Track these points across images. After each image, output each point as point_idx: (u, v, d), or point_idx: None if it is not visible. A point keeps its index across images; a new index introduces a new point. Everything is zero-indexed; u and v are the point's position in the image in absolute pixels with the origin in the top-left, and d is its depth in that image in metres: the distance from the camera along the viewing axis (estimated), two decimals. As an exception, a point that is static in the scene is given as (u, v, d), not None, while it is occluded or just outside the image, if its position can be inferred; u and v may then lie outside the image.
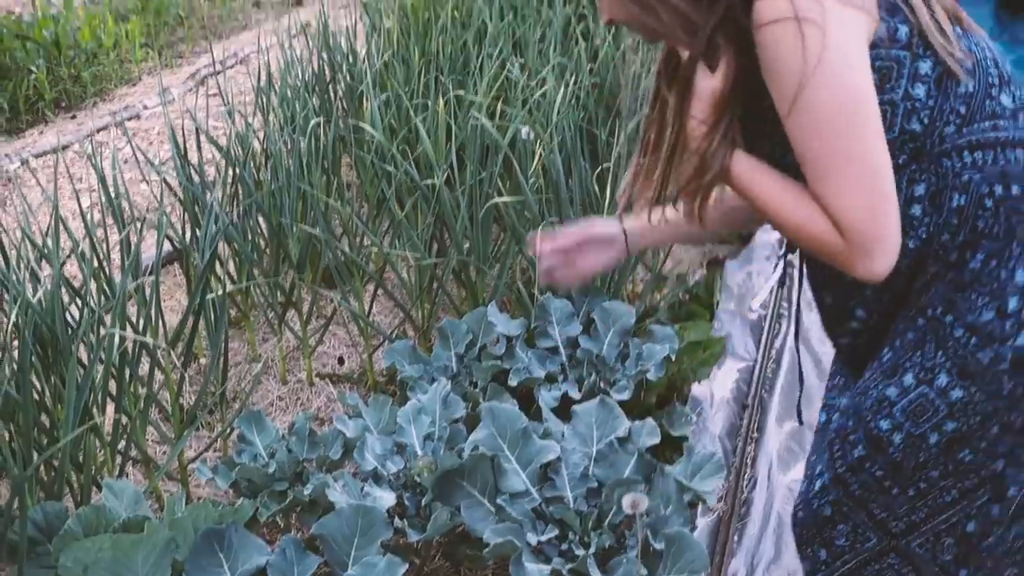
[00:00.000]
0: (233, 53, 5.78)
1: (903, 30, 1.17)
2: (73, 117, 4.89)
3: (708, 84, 1.22)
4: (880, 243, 1.14)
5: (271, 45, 5.89)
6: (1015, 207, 1.22)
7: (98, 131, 4.62)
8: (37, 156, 4.30)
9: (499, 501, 1.79)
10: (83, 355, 1.98)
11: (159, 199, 2.73)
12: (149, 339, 2.01)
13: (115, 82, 5.34)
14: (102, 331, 1.96)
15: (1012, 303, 1.22)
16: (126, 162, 4.15)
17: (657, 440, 1.94)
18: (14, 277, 2.08)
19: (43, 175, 4.15)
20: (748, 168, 1.24)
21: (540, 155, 2.58)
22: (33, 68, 4.83)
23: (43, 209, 3.67)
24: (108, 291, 2.29)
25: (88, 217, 2.54)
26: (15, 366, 1.80)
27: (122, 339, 1.89)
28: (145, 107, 4.92)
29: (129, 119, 4.80)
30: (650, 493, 1.82)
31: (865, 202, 1.14)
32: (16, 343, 1.94)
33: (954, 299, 1.24)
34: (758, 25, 1.15)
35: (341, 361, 2.87)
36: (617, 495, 1.72)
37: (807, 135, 1.15)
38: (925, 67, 1.18)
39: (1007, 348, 1.23)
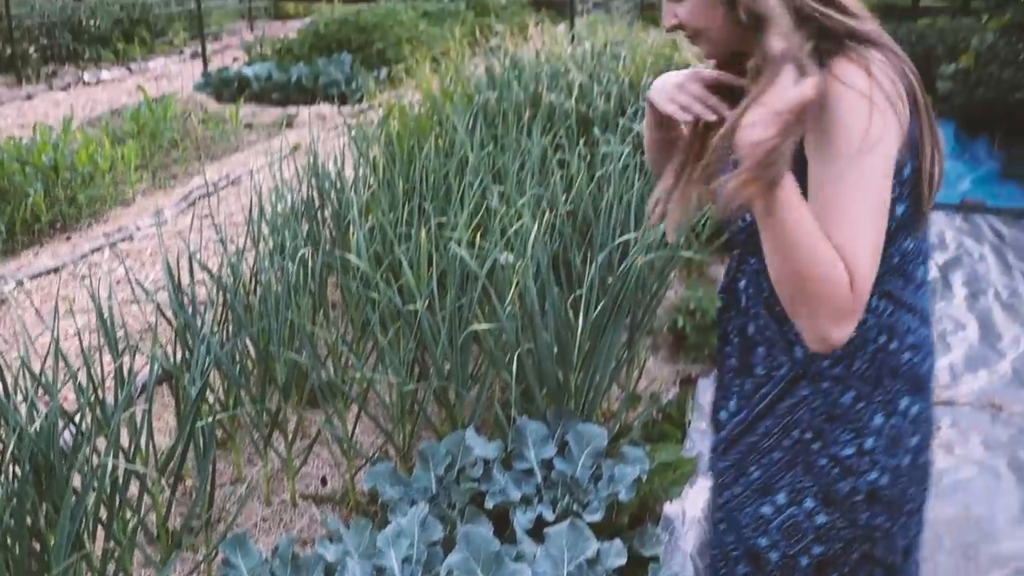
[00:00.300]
0: (225, 175, 6.01)
1: (908, 168, 1.27)
2: (68, 238, 5.05)
3: (786, 93, 1.16)
4: (860, 311, 1.21)
5: (261, 167, 6.15)
6: (887, 360, 1.34)
7: (92, 252, 4.78)
8: (32, 278, 4.44)
9: (473, 624, 1.87)
10: (76, 480, 2.06)
11: (153, 325, 2.86)
12: (140, 467, 2.09)
13: (110, 203, 5.53)
14: (95, 459, 2.05)
15: (869, 443, 1.35)
16: (119, 283, 4.29)
17: (624, 561, 2.03)
18: (12, 405, 2.18)
19: (38, 296, 4.28)
20: (793, 192, 1.21)
21: (516, 282, 2.73)
22: (31, 191, 5.01)
23: (37, 330, 3.78)
24: (101, 415, 2.39)
25: (83, 341, 2.66)
26: (11, 494, 1.88)
27: (114, 467, 1.98)
28: (138, 228, 5.09)
29: (122, 240, 4.96)
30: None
31: (869, 269, 1.20)
32: (11, 470, 2.02)
33: (823, 428, 1.37)
34: (835, 77, 1.21)
35: (324, 482, 2.95)
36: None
37: (843, 194, 1.21)
38: (899, 209, 1.29)
39: (863, 482, 1.36)
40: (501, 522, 2.30)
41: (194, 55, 11.21)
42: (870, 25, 1.29)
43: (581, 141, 3.93)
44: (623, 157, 3.63)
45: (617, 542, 2.08)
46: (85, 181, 5.41)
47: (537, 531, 2.25)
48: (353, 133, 4.29)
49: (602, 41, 5.81)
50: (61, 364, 2.44)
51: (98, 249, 4.81)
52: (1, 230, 4.84)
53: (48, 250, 4.85)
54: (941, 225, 5.35)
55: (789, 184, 1.20)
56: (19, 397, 2.26)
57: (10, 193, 5.01)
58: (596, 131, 4.13)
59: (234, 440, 2.93)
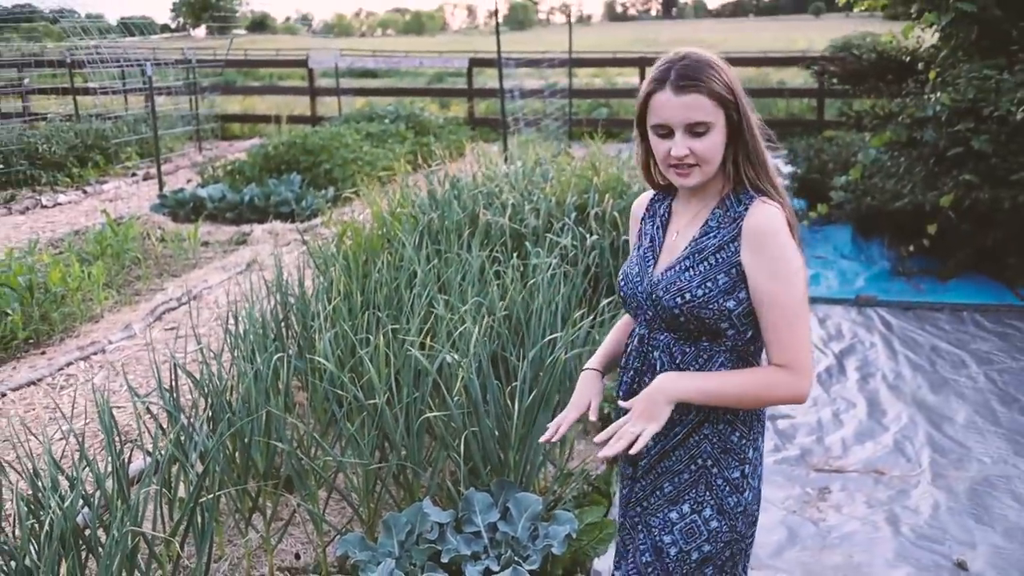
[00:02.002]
0: (188, 290, 6.45)
1: None
2: (43, 353, 5.43)
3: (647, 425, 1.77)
4: (811, 380, 1.80)
5: (221, 282, 6.63)
6: (755, 410, 1.90)
7: (68, 365, 5.16)
8: (14, 390, 4.80)
9: (436, 649, 2.31)
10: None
11: (139, 425, 3.29)
12: (160, 533, 2.52)
13: (80, 320, 5.92)
14: (115, 532, 2.47)
15: (747, 469, 1.90)
16: (96, 391, 4.68)
17: (557, 597, 2.50)
18: (41, 496, 2.59)
19: (20, 406, 4.64)
20: (703, 387, 1.79)
21: (462, 378, 3.23)
22: (10, 311, 5.40)
23: (23, 435, 4.14)
24: (116, 496, 2.80)
25: (79, 440, 3.07)
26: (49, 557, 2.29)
27: (135, 535, 2.40)
28: (110, 342, 5.49)
29: (95, 354, 5.36)
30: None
31: (811, 359, 1.79)
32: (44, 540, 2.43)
33: (719, 458, 1.88)
34: (765, 224, 1.78)
35: (298, 556, 3.36)
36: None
37: (787, 310, 1.76)
38: None
39: (743, 499, 1.90)
40: (455, 574, 2.75)
41: (146, 177, 11.72)
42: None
43: (514, 254, 4.51)
44: (551, 268, 4.20)
45: (550, 582, 2.55)
46: (57, 300, 5.81)
47: (485, 581, 2.71)
48: (310, 251, 4.81)
49: (533, 160, 6.48)
50: (66, 459, 2.86)
51: (72, 363, 5.19)
52: (-18, 347, 5.21)
53: (26, 364, 5.22)
54: (839, 318, 6.02)
55: (694, 388, 1.78)
56: (45, 484, 2.68)
57: (-12, 313, 5.40)
58: (528, 245, 4.71)
59: (217, 522, 3.33)
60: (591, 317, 3.88)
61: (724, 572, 1.94)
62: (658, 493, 1.94)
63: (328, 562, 3.21)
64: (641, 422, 1.76)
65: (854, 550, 3.41)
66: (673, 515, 1.91)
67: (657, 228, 1.99)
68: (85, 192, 10.66)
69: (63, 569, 2.24)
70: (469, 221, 5.05)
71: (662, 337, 1.90)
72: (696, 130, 1.78)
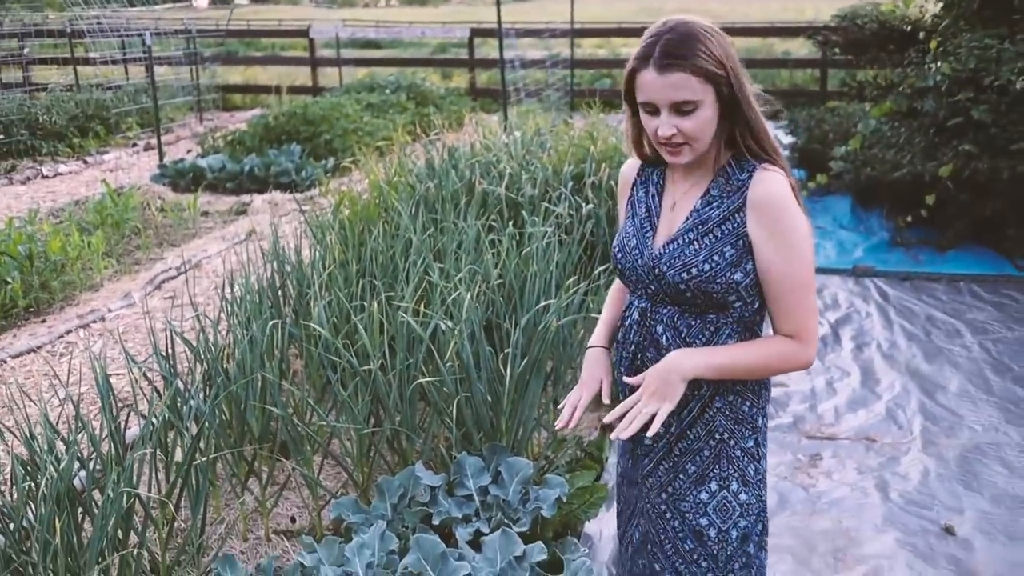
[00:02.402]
0: (187, 259, 6.47)
1: None
2: (43, 321, 5.46)
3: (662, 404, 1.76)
4: (815, 348, 1.80)
5: (220, 251, 6.65)
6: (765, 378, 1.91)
7: (67, 333, 5.19)
8: (14, 357, 4.84)
9: (425, 607, 2.35)
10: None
11: (143, 390, 3.33)
12: (154, 494, 2.56)
13: (80, 288, 5.95)
14: (110, 492, 2.51)
15: (760, 437, 1.92)
16: (93, 358, 4.72)
17: (545, 556, 2.54)
18: (37, 459, 2.63)
19: (20, 372, 4.68)
20: (716, 360, 1.78)
21: (454, 344, 3.26)
22: (9, 280, 5.43)
23: (24, 400, 4.18)
24: (113, 457, 2.84)
25: (79, 406, 3.11)
26: (48, 515, 2.33)
27: (129, 495, 2.44)
28: (109, 310, 5.52)
29: (94, 322, 5.39)
30: (540, 597, 2.40)
31: (816, 327, 1.79)
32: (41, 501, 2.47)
33: (733, 429, 1.87)
34: (773, 193, 1.74)
35: (293, 520, 3.41)
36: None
37: (794, 280, 1.75)
38: None
39: (761, 465, 1.93)
40: (446, 537, 2.79)
41: (147, 147, 11.70)
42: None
43: (511, 223, 4.52)
44: (546, 236, 4.22)
45: (539, 543, 2.59)
46: (57, 269, 5.84)
47: (476, 543, 2.75)
48: (307, 220, 4.83)
49: (532, 131, 6.47)
50: (63, 424, 2.90)
51: (72, 330, 5.23)
52: (-18, 315, 5.25)
53: (26, 332, 5.26)
54: (836, 288, 6.03)
55: (705, 364, 1.77)
56: (42, 447, 2.72)
57: (-12, 282, 5.43)
58: (524, 214, 4.72)
59: (214, 486, 3.38)
60: (585, 283, 3.90)
61: (761, 547, 1.95)
62: (682, 476, 1.91)
63: (323, 525, 3.26)
64: (655, 401, 1.73)
65: (843, 515, 3.45)
66: (703, 495, 1.90)
67: (652, 196, 1.93)
68: (86, 162, 10.66)
69: (58, 528, 2.28)
70: (466, 190, 5.06)
71: (665, 311, 1.86)
72: (683, 109, 1.71)
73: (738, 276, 1.76)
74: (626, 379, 1.87)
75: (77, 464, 2.72)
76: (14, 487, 2.61)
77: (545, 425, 3.62)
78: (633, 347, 1.91)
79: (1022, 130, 5.93)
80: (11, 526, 2.51)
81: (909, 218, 6.60)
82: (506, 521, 2.84)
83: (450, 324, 3.35)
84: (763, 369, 1.82)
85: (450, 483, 3.03)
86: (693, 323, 1.83)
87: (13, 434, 2.77)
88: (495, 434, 3.24)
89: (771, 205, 1.73)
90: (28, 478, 2.61)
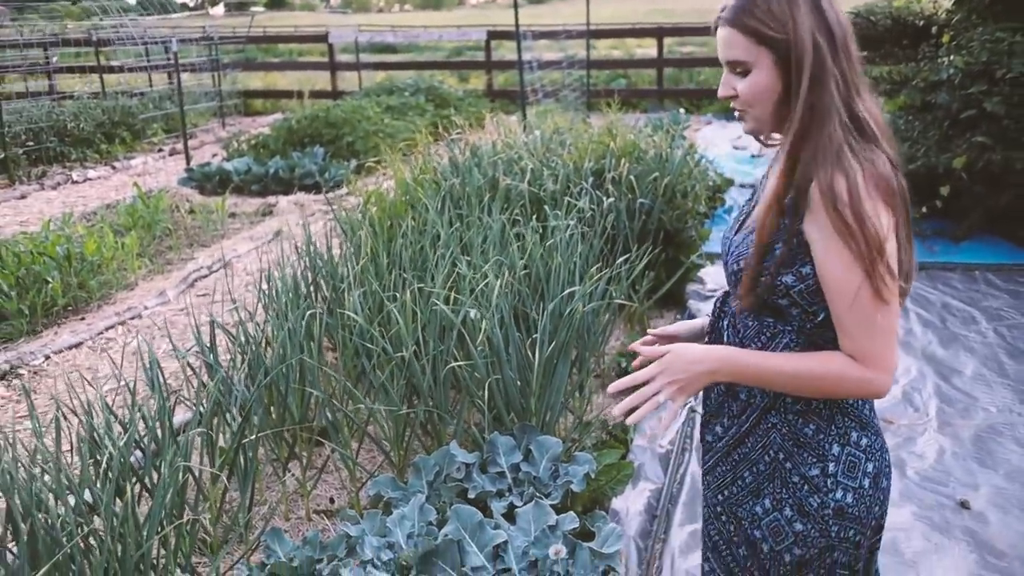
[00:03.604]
0: (218, 259, 6.65)
1: None
2: (82, 319, 5.65)
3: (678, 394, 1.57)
4: (889, 377, 1.54)
5: (249, 251, 6.83)
6: (836, 402, 1.65)
7: (107, 329, 5.38)
8: (57, 352, 5.03)
9: (465, 570, 2.50)
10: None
11: (188, 380, 3.50)
12: (208, 468, 2.72)
13: (116, 287, 6.15)
14: (165, 471, 2.67)
15: (831, 467, 1.64)
16: (133, 354, 4.91)
17: (576, 526, 2.68)
18: (96, 435, 2.80)
19: (65, 367, 4.87)
20: (752, 366, 1.59)
21: (484, 330, 3.41)
22: (49, 279, 5.62)
23: (79, 388, 4.36)
24: (163, 440, 3.01)
25: (124, 395, 3.28)
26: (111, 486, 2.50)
27: (185, 469, 2.60)
28: (146, 308, 5.71)
29: (132, 319, 5.58)
30: (572, 562, 2.54)
31: (893, 356, 1.53)
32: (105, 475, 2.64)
33: (792, 451, 1.66)
34: (831, 188, 1.48)
35: (332, 501, 3.57)
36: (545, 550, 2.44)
37: (846, 294, 1.51)
38: None
39: (830, 499, 1.64)
40: (481, 510, 2.94)
41: (172, 152, 11.94)
42: (882, 137, 1.57)
43: (534, 217, 4.66)
44: (568, 229, 4.36)
45: (571, 513, 2.73)
46: (94, 268, 6.03)
47: (509, 516, 2.90)
48: (337, 217, 4.99)
49: (551, 130, 6.62)
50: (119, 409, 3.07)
51: (112, 327, 5.42)
52: (25, 313, 5.44)
53: (67, 329, 5.45)
54: (852, 279, 6.14)
55: (743, 365, 1.59)
56: (100, 429, 2.89)
57: (29, 281, 5.62)
58: (547, 209, 4.87)
59: (257, 468, 3.54)
60: (608, 271, 4.04)
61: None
62: (740, 482, 1.75)
63: (361, 505, 3.41)
64: (669, 388, 1.57)
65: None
66: (758, 509, 1.73)
67: (756, 189, 1.81)
68: (113, 167, 10.89)
69: (129, 496, 2.44)
70: (489, 187, 5.21)
71: (733, 305, 1.74)
72: (736, 69, 1.60)
73: (788, 279, 1.59)
74: (635, 347, 1.78)
75: (133, 445, 2.89)
76: (76, 464, 2.78)
77: (572, 409, 3.76)
78: (707, 337, 1.85)
79: (1035, 121, 6.03)
80: (73, 501, 2.67)
81: (924, 209, 6.70)
82: (538, 495, 2.98)
83: (480, 312, 3.50)
84: (815, 389, 1.59)
85: (483, 461, 3.18)
86: (750, 324, 1.70)
87: (76, 415, 2.93)
88: (525, 415, 3.39)
89: (828, 203, 1.49)
90: (90, 455, 2.78)
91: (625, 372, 4.37)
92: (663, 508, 3.43)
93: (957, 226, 6.65)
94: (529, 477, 3.10)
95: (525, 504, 2.89)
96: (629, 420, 1.58)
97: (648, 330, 1.75)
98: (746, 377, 1.61)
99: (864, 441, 1.66)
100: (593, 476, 3.12)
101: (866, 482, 1.65)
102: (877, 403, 4.38)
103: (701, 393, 1.76)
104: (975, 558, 3.12)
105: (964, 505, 3.44)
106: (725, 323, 1.76)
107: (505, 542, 2.59)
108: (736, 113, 1.66)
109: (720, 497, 1.79)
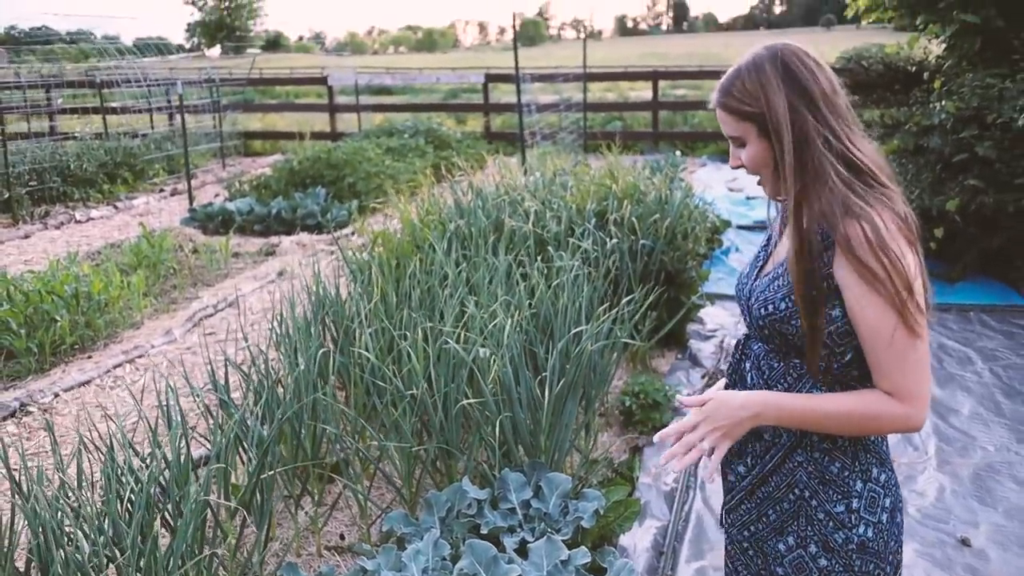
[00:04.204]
0: (223, 298, 6.73)
1: None
2: (90, 357, 5.71)
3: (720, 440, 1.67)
4: (924, 413, 1.61)
5: (253, 290, 6.91)
6: (860, 439, 1.70)
7: (115, 367, 5.43)
8: (66, 390, 5.08)
9: (481, 604, 2.55)
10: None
11: (202, 415, 3.55)
12: (231, 503, 2.77)
13: (122, 326, 6.21)
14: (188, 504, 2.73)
15: (855, 503, 1.70)
16: (142, 391, 4.96)
17: (588, 560, 2.74)
18: (118, 469, 2.86)
19: (74, 405, 4.92)
20: (785, 409, 1.65)
21: (496, 367, 3.48)
22: (58, 318, 5.69)
23: (83, 429, 4.41)
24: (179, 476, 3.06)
25: (134, 429, 3.33)
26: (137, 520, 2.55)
27: (205, 504, 2.66)
28: (152, 346, 5.77)
29: (139, 357, 5.63)
30: (586, 596, 2.60)
31: (926, 392, 1.60)
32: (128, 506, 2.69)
33: (817, 489, 1.71)
34: (855, 234, 1.55)
35: (342, 537, 3.61)
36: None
37: (882, 332, 1.57)
38: None
39: (854, 535, 1.69)
40: (493, 546, 2.99)
41: (173, 192, 12.05)
42: (884, 178, 1.65)
43: (539, 258, 4.76)
44: (573, 269, 4.45)
45: (583, 548, 2.79)
46: (100, 307, 6.10)
47: (521, 552, 2.96)
48: (345, 257, 5.08)
49: (551, 171, 6.75)
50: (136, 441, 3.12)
51: (119, 365, 5.47)
52: (34, 351, 5.50)
53: (75, 367, 5.50)
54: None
55: (783, 408, 1.64)
56: (120, 464, 2.94)
57: (37, 319, 5.69)
58: (551, 249, 4.96)
59: (269, 505, 3.58)
60: (613, 311, 4.12)
61: None
62: (764, 520, 1.81)
63: (372, 541, 3.46)
64: (714, 435, 1.66)
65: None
66: (781, 546, 1.79)
67: (775, 230, 1.87)
68: (116, 207, 10.99)
69: (156, 528, 2.50)
70: (494, 228, 5.31)
71: (756, 347, 1.80)
72: (735, 143, 1.73)
73: (806, 324, 1.64)
74: (681, 399, 1.76)
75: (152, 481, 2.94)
76: (98, 498, 2.83)
77: (578, 448, 3.83)
78: (727, 380, 1.88)
79: (1025, 165, 6.18)
80: (98, 537, 2.72)
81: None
82: (549, 531, 3.04)
83: (490, 351, 3.58)
84: (853, 427, 1.64)
85: (494, 498, 3.23)
86: (776, 365, 1.74)
87: (98, 448, 2.99)
88: (535, 451, 3.45)
89: (848, 251, 1.56)
90: (111, 490, 2.83)
91: (629, 411, 4.44)
92: (669, 545, 3.48)
93: (952, 268, 6.77)
94: (540, 513, 3.15)
95: (537, 540, 2.95)
96: (677, 467, 1.66)
97: (678, 397, 1.80)
98: (788, 420, 1.66)
99: (883, 477, 1.71)
100: (602, 512, 3.18)
101: (884, 517, 1.71)
102: (878, 441, 4.45)
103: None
104: (977, 594, 3.18)
105: (965, 542, 3.50)
106: (747, 366, 1.80)
107: (519, 576, 2.64)
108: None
109: (746, 533, 1.84)
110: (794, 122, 1.63)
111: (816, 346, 1.63)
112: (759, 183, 1.76)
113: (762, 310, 1.71)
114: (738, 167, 1.75)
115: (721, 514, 1.94)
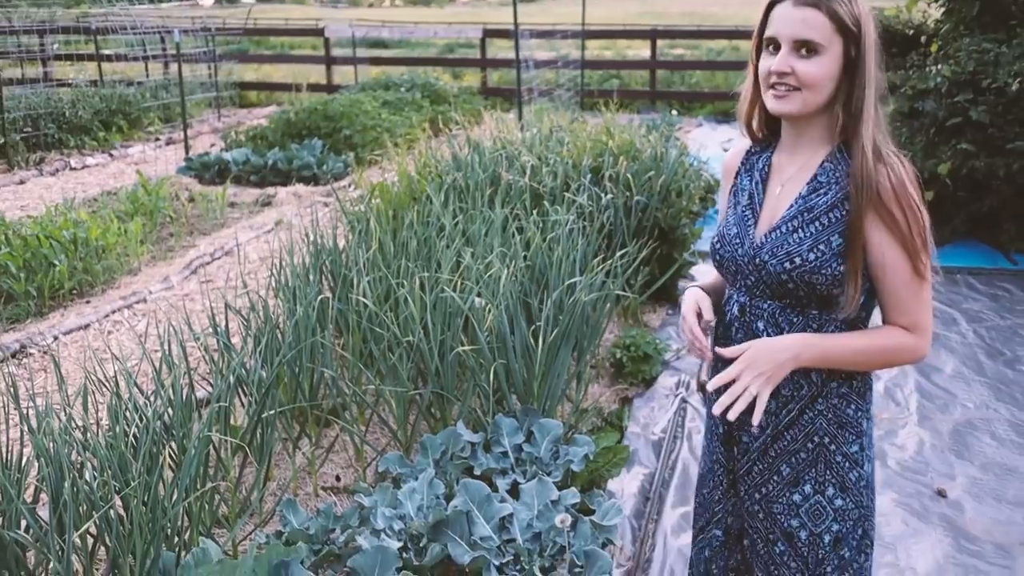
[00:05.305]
0: (219, 247, 6.78)
1: None
2: (88, 302, 5.77)
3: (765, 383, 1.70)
4: (929, 342, 1.76)
5: (249, 239, 6.96)
6: (867, 380, 1.83)
7: (113, 312, 5.50)
8: (65, 334, 5.15)
9: (473, 539, 2.66)
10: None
11: (202, 359, 3.63)
12: (230, 439, 2.87)
13: (120, 273, 6.26)
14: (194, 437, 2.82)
15: (865, 441, 1.83)
16: (144, 335, 5.03)
17: (578, 501, 2.84)
18: (131, 405, 2.94)
19: (73, 348, 4.99)
20: (820, 349, 1.71)
21: (490, 318, 3.56)
22: (56, 263, 5.74)
23: (76, 375, 4.49)
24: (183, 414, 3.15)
25: (159, 366, 3.41)
26: (146, 451, 2.64)
27: (208, 440, 2.75)
28: (151, 292, 5.84)
29: (137, 303, 5.70)
30: (573, 534, 2.70)
31: (931, 323, 1.75)
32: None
33: (836, 433, 1.80)
34: (902, 181, 1.65)
35: (338, 479, 3.71)
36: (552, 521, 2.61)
37: (910, 273, 1.69)
38: None
39: (865, 472, 1.83)
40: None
41: (168, 142, 12.03)
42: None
43: (535, 211, 4.82)
44: (569, 223, 4.52)
45: (572, 489, 2.90)
46: (98, 253, 6.15)
47: (513, 493, 3.06)
48: (343, 208, 5.13)
49: (548, 128, 6.78)
50: (142, 381, 3.20)
51: (117, 310, 5.54)
52: (33, 295, 5.56)
53: (73, 311, 5.57)
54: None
55: (820, 350, 1.71)
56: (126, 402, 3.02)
57: (36, 264, 5.74)
58: (546, 204, 5.03)
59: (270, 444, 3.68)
60: (608, 263, 4.20)
61: (861, 551, 1.87)
62: (776, 477, 1.85)
63: (368, 482, 3.56)
64: (759, 381, 1.68)
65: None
66: (796, 497, 1.84)
67: (756, 183, 1.85)
68: (111, 155, 10.98)
69: (165, 459, 2.58)
70: (490, 182, 5.36)
71: (766, 305, 1.80)
72: (804, 48, 1.67)
73: (844, 267, 1.69)
74: (721, 351, 1.78)
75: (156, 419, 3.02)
76: (103, 434, 2.92)
77: (570, 397, 3.92)
78: (735, 344, 1.85)
79: (1018, 130, 6.24)
80: (108, 473, 2.81)
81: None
82: (540, 474, 3.14)
83: (486, 300, 3.66)
84: (879, 362, 1.75)
85: (487, 442, 3.33)
86: (795, 320, 1.76)
87: (106, 386, 3.07)
88: (527, 398, 3.54)
89: (901, 195, 1.65)
90: (116, 426, 2.92)
91: (620, 363, 4.54)
92: (656, 491, 3.60)
93: (940, 230, 6.82)
94: (531, 457, 3.26)
95: (528, 481, 3.05)
96: (730, 415, 1.69)
97: (718, 349, 1.82)
98: (825, 357, 1.72)
99: (873, 415, 1.86)
100: (592, 458, 3.29)
101: (873, 453, 1.87)
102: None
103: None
104: (950, 542, 3.30)
105: (941, 493, 3.62)
106: (761, 326, 1.80)
107: (511, 514, 2.75)
108: (775, 94, 1.71)
109: (757, 495, 1.89)
110: (871, 60, 1.68)
111: (858, 287, 1.70)
112: (779, 97, 1.70)
113: (785, 263, 1.72)
114: (785, 76, 1.69)
115: (725, 483, 1.96)
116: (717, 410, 1.69)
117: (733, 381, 1.71)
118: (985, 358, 4.91)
